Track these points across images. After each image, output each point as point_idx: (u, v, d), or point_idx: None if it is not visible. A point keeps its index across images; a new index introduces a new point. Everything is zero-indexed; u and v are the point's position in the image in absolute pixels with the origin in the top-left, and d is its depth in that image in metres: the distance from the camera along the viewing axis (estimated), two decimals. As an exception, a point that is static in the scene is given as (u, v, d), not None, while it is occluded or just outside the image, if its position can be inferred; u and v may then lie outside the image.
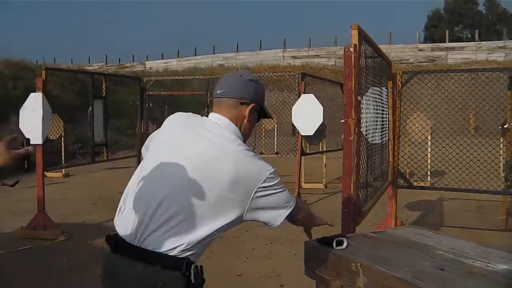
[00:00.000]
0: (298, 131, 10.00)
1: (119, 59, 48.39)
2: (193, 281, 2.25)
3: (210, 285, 5.62)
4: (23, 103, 7.75)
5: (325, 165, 12.36)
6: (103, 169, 14.78)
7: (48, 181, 10.80)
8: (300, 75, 10.79)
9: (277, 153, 15.25)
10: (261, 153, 14.45)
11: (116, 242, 2.33)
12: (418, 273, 2.25)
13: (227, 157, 2.28)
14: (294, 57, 39.71)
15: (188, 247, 2.25)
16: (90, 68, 38.67)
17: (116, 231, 2.35)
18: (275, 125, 17.27)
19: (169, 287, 2.21)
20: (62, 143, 14.32)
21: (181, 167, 2.29)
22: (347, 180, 3.80)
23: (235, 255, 6.65)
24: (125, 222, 2.34)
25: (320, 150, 12.43)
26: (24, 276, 5.94)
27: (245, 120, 2.53)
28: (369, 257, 2.50)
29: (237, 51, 42.59)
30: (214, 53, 43.33)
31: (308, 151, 11.06)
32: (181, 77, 18.14)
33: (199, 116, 2.56)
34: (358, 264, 2.41)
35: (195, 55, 44.40)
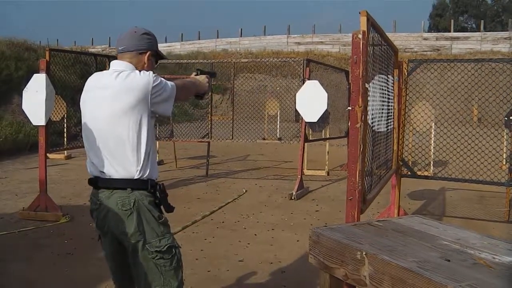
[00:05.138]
0: (302, 118, 9.95)
1: (123, 41, 48.12)
2: (158, 196, 3.07)
3: (212, 270, 5.65)
4: (25, 84, 7.70)
5: (327, 152, 12.32)
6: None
7: (50, 162, 10.79)
8: (305, 61, 10.71)
9: (279, 138, 15.25)
10: (264, 139, 14.44)
11: (96, 181, 3.09)
12: (424, 263, 2.23)
13: (128, 86, 2.98)
14: (298, 43, 39.56)
15: (142, 165, 3.00)
16: (93, 50, 38.62)
17: (92, 175, 3.12)
18: (278, 111, 17.24)
19: (139, 202, 2.99)
20: (65, 124, 14.28)
21: (103, 112, 3.02)
22: (353, 168, 3.77)
23: (237, 240, 6.64)
24: (94, 166, 3.09)
25: (323, 137, 12.39)
26: (25, 257, 5.93)
27: (145, 66, 3.17)
28: (374, 246, 2.48)
29: (241, 36, 42.44)
30: (218, 38, 43.21)
31: (310, 138, 11.03)
32: (184, 61, 18.12)
33: (99, 73, 3.25)
34: (364, 253, 2.39)
35: (199, 39, 44.29)
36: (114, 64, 3.16)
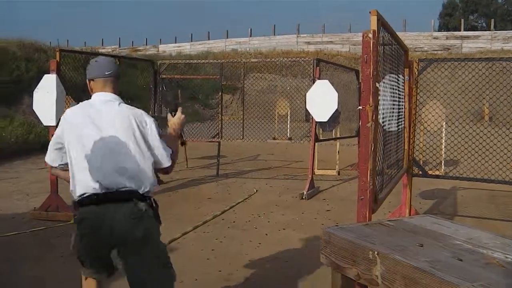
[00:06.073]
0: (312, 117, 9.92)
1: (132, 42, 48.31)
2: (154, 209, 3.25)
3: (222, 269, 5.64)
4: (36, 85, 7.74)
5: (338, 152, 12.29)
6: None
7: (61, 163, 10.79)
8: (315, 61, 10.68)
9: (290, 138, 15.21)
10: (274, 138, 14.42)
11: (97, 197, 3.11)
12: (436, 262, 2.22)
13: (130, 114, 3.30)
14: (308, 43, 39.45)
15: (148, 185, 3.20)
16: (103, 50, 38.69)
17: (92, 191, 3.13)
18: (288, 111, 17.21)
19: (148, 211, 3.17)
20: (75, 125, 14.27)
21: (109, 139, 3.20)
22: (364, 167, 3.76)
23: (248, 240, 6.63)
24: (98, 184, 3.12)
25: (334, 137, 12.36)
26: (35, 257, 5.94)
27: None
28: (386, 246, 2.47)
29: (251, 36, 42.38)
30: (227, 38, 43.19)
31: (321, 138, 11.01)
32: (194, 61, 18.12)
33: (86, 104, 3.45)
34: (375, 252, 2.38)
35: (209, 39, 44.28)
36: (102, 95, 3.42)
